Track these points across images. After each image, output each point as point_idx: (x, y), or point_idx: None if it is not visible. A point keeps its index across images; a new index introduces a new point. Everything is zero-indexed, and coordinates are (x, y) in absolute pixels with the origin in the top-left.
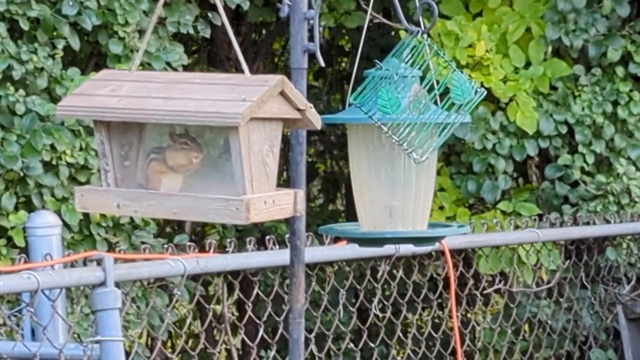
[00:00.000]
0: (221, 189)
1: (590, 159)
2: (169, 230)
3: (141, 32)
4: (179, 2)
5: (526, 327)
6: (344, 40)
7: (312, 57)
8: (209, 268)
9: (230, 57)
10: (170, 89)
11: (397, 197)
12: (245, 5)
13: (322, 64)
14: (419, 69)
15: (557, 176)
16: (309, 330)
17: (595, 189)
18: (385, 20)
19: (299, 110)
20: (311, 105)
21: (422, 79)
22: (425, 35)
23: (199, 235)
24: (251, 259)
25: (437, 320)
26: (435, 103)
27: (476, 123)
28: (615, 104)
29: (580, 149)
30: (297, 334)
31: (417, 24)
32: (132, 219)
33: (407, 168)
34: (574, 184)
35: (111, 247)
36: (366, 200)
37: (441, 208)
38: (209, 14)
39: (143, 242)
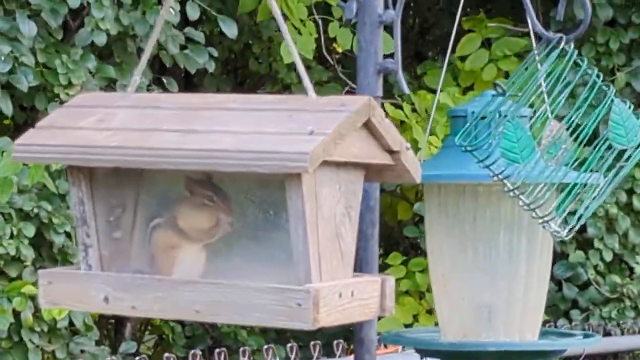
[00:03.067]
0: (270, 273)
1: (608, 256)
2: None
3: None
4: (130, 63)
5: None
6: None
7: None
8: None
9: None
10: (190, 118)
11: (499, 292)
12: (211, 67)
13: (406, 90)
14: (560, 95)
15: (567, 276)
16: None
17: (609, 292)
18: None
19: (390, 152)
20: (408, 145)
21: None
22: (571, 45)
23: (138, 338)
24: None
25: None
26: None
27: None
28: (630, 192)
29: (596, 244)
30: None
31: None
32: (71, 322)
33: (514, 249)
34: (583, 286)
35: (45, 357)
36: (452, 296)
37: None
38: (164, 79)
39: (83, 351)
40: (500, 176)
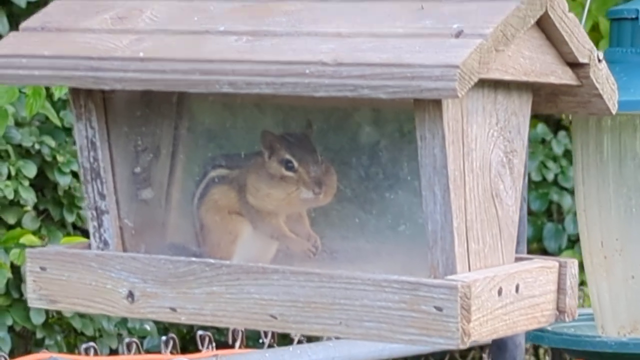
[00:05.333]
0: (389, 258)
1: None
2: None
3: None
4: None
5: None
6: None
7: None
8: None
9: None
10: (262, 14)
11: None
12: None
13: None
14: None
15: None
16: None
17: None
18: None
19: (574, 65)
20: (601, 54)
21: None
22: None
23: None
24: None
25: None
26: None
27: (533, 147)
28: None
29: None
30: None
31: None
32: None
33: None
34: None
35: (49, 318)
36: (616, 273)
37: None
38: None
39: None
40: None
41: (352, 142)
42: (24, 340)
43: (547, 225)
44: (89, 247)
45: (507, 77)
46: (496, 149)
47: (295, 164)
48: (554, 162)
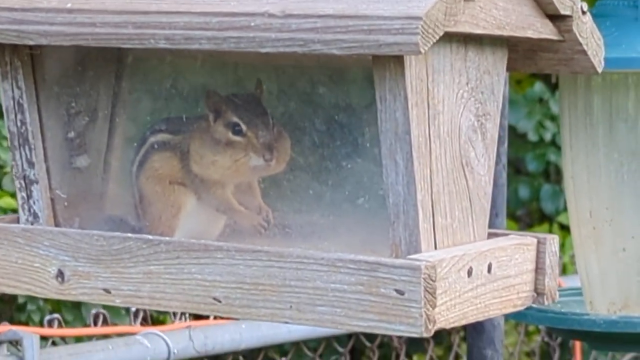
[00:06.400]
0: (346, 234)
1: None
2: None
3: None
4: None
5: None
6: None
7: None
8: (214, 348)
9: None
10: None
11: None
12: None
13: None
14: None
15: None
16: None
17: None
18: None
19: (555, 17)
20: (585, 5)
21: None
22: None
23: None
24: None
25: None
26: None
27: (530, 106)
28: None
29: None
30: None
31: None
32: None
33: None
34: None
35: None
36: (606, 245)
37: None
38: None
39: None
40: None
41: (306, 104)
42: (8, 305)
43: (544, 187)
44: (17, 220)
45: (478, 31)
46: (466, 112)
47: (244, 127)
48: (551, 121)
